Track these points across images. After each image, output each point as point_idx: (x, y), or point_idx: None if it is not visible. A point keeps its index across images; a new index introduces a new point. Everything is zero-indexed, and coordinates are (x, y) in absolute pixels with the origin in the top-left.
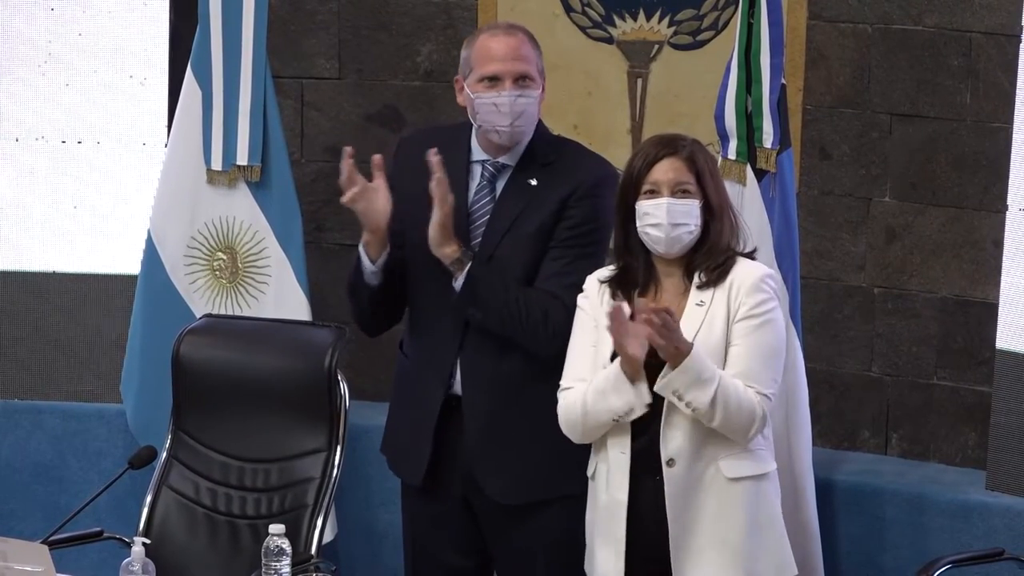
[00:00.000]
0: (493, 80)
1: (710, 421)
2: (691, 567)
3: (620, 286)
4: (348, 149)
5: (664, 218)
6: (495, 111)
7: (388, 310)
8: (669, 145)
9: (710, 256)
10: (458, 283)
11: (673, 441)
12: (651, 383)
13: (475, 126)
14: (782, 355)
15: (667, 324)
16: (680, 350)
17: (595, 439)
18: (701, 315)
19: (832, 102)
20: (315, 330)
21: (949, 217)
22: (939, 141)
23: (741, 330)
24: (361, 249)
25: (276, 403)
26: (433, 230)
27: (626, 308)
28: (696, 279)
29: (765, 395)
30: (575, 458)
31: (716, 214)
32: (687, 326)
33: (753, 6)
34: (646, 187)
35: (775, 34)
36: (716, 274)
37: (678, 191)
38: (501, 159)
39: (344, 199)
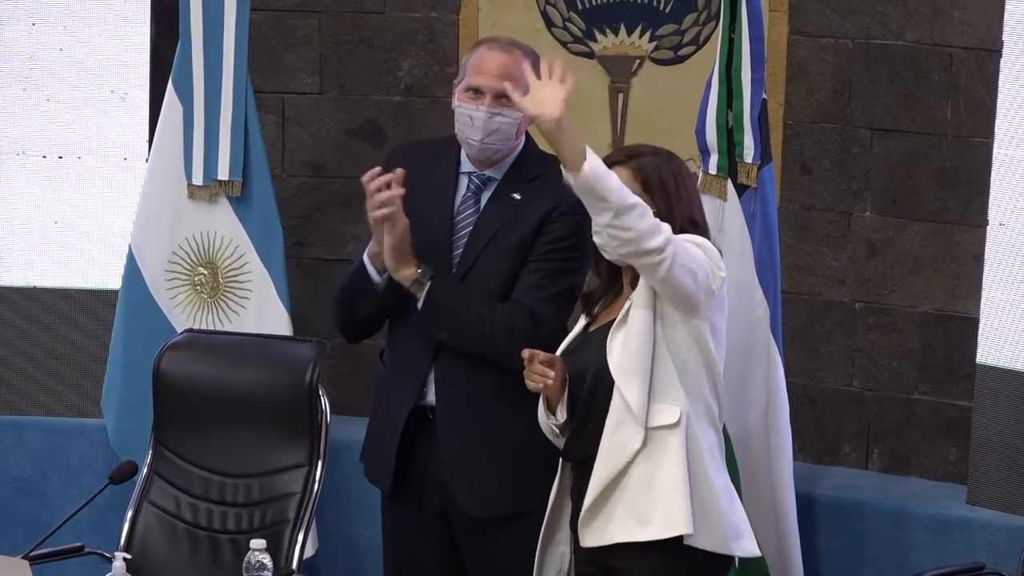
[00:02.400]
0: (476, 92)
1: (618, 217)
2: (592, 516)
3: (586, 299)
4: (399, 171)
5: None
6: (469, 123)
7: (379, 320)
8: (621, 154)
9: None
10: (419, 304)
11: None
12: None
13: None
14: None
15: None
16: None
17: None
18: (628, 307)
19: (813, 117)
20: (296, 345)
21: (930, 232)
22: (920, 156)
23: None
24: (367, 260)
25: (257, 418)
26: (387, 255)
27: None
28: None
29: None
30: (552, 471)
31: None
32: (620, 324)
33: (734, 21)
34: None
35: (756, 49)
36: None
37: None
38: (487, 172)
39: (378, 214)
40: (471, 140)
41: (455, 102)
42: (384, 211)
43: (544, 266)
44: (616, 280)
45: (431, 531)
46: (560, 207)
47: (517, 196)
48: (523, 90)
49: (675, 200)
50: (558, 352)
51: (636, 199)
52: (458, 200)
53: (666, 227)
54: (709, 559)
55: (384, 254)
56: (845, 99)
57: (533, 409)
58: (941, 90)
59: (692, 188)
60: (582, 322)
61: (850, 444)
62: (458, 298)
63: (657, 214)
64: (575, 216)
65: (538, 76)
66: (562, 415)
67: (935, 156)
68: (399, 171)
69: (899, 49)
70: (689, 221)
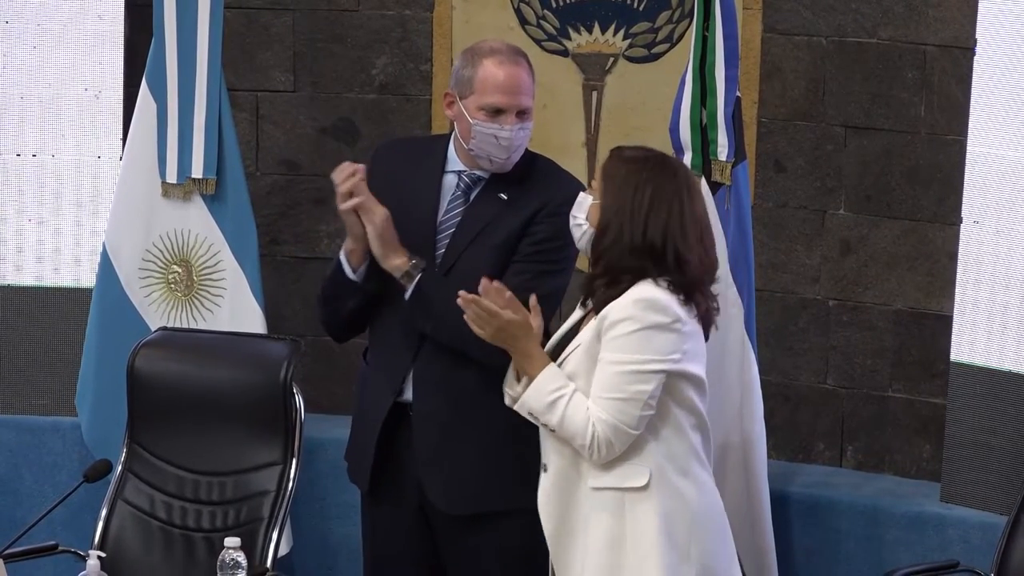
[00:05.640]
0: (498, 112)
1: (559, 436)
2: (561, 573)
3: (587, 282)
4: (360, 165)
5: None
6: (495, 143)
7: (362, 318)
8: (620, 146)
9: (602, 273)
10: (407, 295)
11: (545, 446)
12: None
13: (454, 137)
14: (634, 379)
15: (481, 316)
16: (528, 360)
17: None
18: (586, 330)
19: (787, 115)
20: (270, 343)
21: (904, 230)
22: (893, 154)
23: (601, 349)
24: (343, 256)
25: (231, 416)
26: (373, 245)
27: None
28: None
29: (603, 420)
30: (533, 472)
31: (606, 225)
32: (578, 338)
33: (708, 19)
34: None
35: (730, 47)
36: (603, 296)
37: (589, 185)
38: (477, 171)
39: (345, 205)
40: (495, 158)
41: (469, 119)
42: (352, 202)
43: (529, 267)
44: None
45: (410, 529)
46: (547, 208)
47: (504, 196)
48: (532, 101)
49: (625, 201)
50: (554, 338)
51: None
52: (447, 198)
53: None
54: None
55: (370, 244)
56: (819, 97)
57: (509, 408)
58: (915, 88)
59: (688, 204)
60: (579, 310)
61: (824, 442)
62: (446, 292)
63: (607, 215)
64: (560, 218)
65: (533, 79)
66: (516, 392)
67: (909, 154)
68: (360, 166)
69: (873, 47)
70: (629, 232)
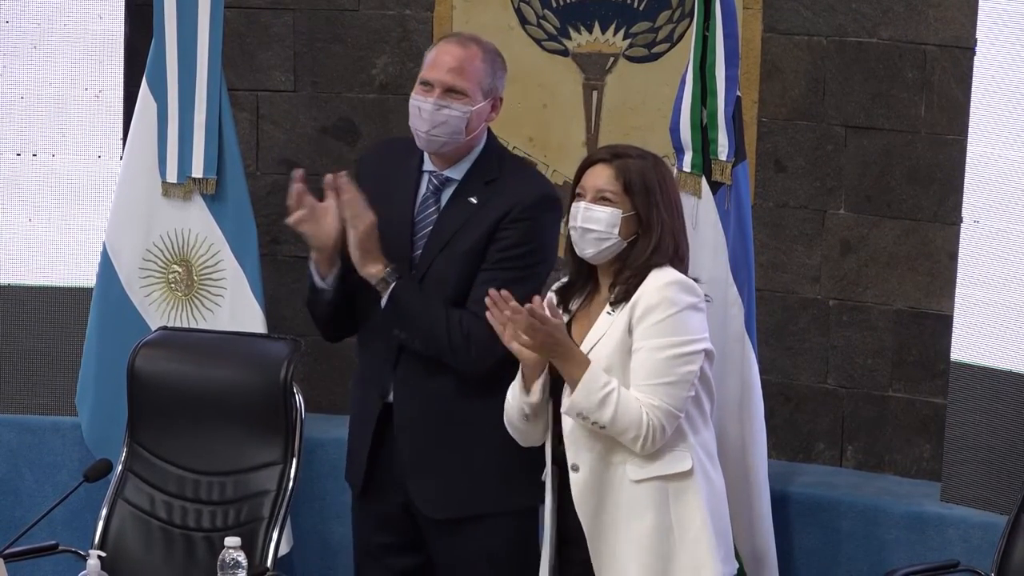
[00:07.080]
0: (426, 85)
1: (609, 433)
2: (608, 569)
3: (563, 293)
4: (298, 172)
5: (577, 222)
6: (417, 115)
7: (345, 321)
8: (607, 152)
9: (626, 271)
10: (383, 302)
11: (573, 446)
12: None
13: None
14: (682, 362)
15: (533, 325)
16: (571, 362)
17: (531, 442)
18: (607, 324)
19: (787, 114)
20: (270, 343)
21: (904, 229)
22: (894, 153)
23: (638, 338)
24: (311, 265)
25: (231, 416)
26: (353, 252)
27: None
28: (612, 295)
29: (656, 406)
30: (518, 474)
31: (646, 230)
32: (594, 334)
33: (708, 18)
34: (577, 190)
35: (730, 46)
36: (624, 290)
37: (598, 198)
38: (446, 172)
39: (289, 220)
40: (419, 131)
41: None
42: (296, 215)
43: (498, 275)
44: (592, 275)
45: (399, 523)
46: (511, 213)
47: (474, 200)
48: (474, 85)
49: (657, 207)
50: None
51: (618, 420)
52: (418, 200)
53: (642, 420)
54: None
55: (350, 250)
56: (819, 97)
57: (491, 411)
58: (915, 88)
59: (676, 197)
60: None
61: (824, 441)
62: (421, 300)
63: (636, 219)
64: (529, 222)
65: (494, 71)
66: (537, 395)
67: (909, 153)
68: (328, 177)
69: (873, 47)
70: (671, 232)
